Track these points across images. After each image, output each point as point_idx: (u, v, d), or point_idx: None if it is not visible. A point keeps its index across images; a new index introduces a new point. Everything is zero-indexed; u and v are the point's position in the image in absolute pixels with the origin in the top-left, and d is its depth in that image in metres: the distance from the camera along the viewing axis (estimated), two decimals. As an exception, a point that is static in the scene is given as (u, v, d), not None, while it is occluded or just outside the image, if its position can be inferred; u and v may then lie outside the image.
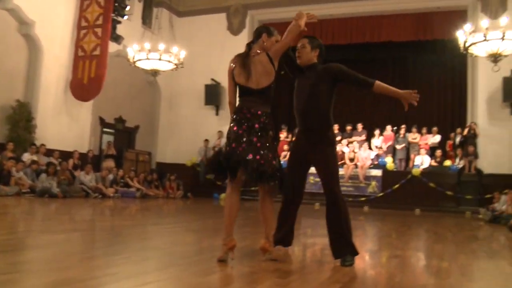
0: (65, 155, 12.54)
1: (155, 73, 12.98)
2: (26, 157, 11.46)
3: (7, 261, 3.00)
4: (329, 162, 3.75)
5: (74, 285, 2.43)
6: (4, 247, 3.49)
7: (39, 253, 3.40)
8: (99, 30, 12.86)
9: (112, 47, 13.48)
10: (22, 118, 11.71)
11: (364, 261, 3.95)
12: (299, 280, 2.95)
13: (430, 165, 14.11)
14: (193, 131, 16.85)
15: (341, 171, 14.20)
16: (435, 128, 15.03)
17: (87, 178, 11.90)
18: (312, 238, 5.83)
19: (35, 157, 11.57)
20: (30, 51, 12.29)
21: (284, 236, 3.85)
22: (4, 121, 11.60)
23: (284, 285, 2.79)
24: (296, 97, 3.87)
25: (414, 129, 15.02)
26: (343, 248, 3.56)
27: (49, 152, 12.12)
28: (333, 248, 3.62)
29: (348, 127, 15.84)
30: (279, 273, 3.15)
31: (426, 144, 14.80)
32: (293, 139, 4.36)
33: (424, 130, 15.03)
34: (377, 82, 3.72)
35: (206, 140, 16.19)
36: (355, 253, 3.56)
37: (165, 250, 3.94)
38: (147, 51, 12.28)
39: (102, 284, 2.57)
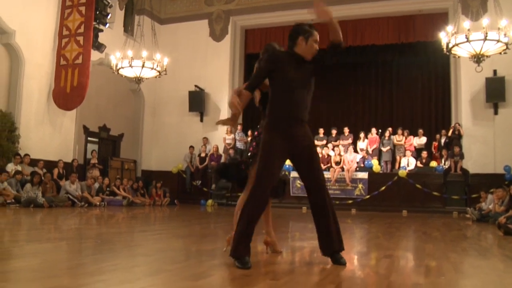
0: (50, 165, 12.38)
1: (138, 80, 12.88)
2: (10, 167, 11.28)
3: (-7, 271, 2.92)
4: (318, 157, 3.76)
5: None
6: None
7: (27, 262, 3.31)
8: (81, 39, 12.73)
9: (95, 55, 13.37)
10: (5, 128, 11.54)
11: (354, 263, 3.93)
12: (292, 282, 2.92)
13: (416, 167, 14.20)
14: (178, 138, 16.77)
15: (328, 175, 14.25)
16: (420, 130, 15.13)
17: (72, 187, 11.74)
18: (301, 242, 5.80)
19: (19, 167, 11.40)
20: (11, 60, 12.12)
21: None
22: (-14, 131, 11.41)
23: (278, 286, 2.76)
24: (294, 88, 3.60)
25: (399, 131, 15.10)
26: (335, 244, 3.55)
27: (34, 162, 11.95)
28: (326, 245, 3.58)
29: (334, 131, 15.87)
30: (272, 274, 3.12)
31: (411, 145, 14.90)
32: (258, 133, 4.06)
33: (407, 132, 15.12)
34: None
35: (191, 147, 16.11)
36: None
37: (153, 256, 3.87)
38: (130, 59, 12.19)
39: (92, 291, 2.51)
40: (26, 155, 11.82)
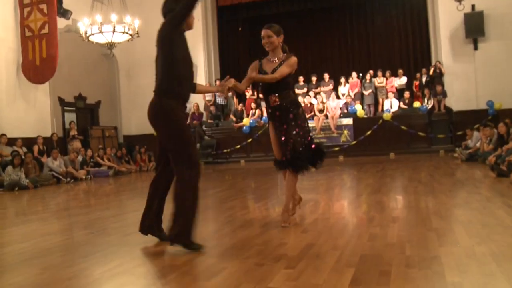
0: (29, 142, 12.01)
1: (110, 46, 12.36)
2: (-13, 150, 10.91)
3: None
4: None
5: None
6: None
7: (22, 276, 3.16)
8: (44, 7, 12.05)
9: (61, 22, 12.75)
10: (-25, 109, 11.06)
11: (361, 231, 3.85)
12: (309, 268, 2.82)
13: (400, 108, 14.18)
14: None
15: (312, 123, 14.16)
16: (400, 70, 15.02)
17: (55, 163, 11.45)
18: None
19: (-3, 149, 11.04)
20: (-28, 37, 11.48)
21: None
22: (-44, 115, 10.95)
23: (295, 277, 2.65)
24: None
25: (379, 73, 14.96)
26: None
27: (12, 142, 11.55)
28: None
29: (314, 78, 15.65)
30: (286, 260, 3.01)
31: (393, 86, 14.82)
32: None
33: (388, 73, 14.98)
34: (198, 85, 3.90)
35: (171, 108, 15.76)
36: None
37: (156, 248, 3.74)
38: (100, 24, 11.61)
39: None
40: (3, 135, 11.39)
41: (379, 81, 14.90)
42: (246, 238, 3.82)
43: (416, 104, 14.17)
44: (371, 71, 15.07)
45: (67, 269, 3.16)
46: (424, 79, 14.51)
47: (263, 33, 4.18)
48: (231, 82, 3.88)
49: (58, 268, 3.21)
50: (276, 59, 4.19)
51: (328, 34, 18.48)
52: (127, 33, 12.09)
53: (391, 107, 14.19)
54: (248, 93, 15.89)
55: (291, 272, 2.76)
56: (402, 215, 4.41)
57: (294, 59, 4.16)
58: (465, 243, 3.19)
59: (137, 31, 12.50)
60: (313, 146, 4.18)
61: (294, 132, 4.07)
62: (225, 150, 15.08)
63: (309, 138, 4.19)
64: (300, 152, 4.08)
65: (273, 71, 4.11)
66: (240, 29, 19.16)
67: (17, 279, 3.04)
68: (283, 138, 4.12)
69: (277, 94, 4.13)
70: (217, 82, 15.75)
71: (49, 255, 3.63)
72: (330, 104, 14.38)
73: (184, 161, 3.48)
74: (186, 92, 3.65)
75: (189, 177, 3.45)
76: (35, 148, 12.06)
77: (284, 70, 4.09)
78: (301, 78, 15.56)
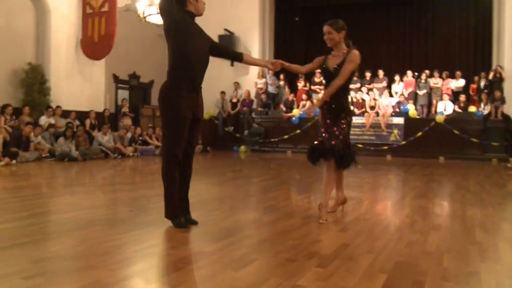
0: (82, 116, 12.40)
1: (167, 28, 12.49)
2: (43, 120, 11.34)
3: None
4: None
5: None
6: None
7: (62, 245, 3.26)
8: (105, -15, 12.36)
9: (121, 2, 13.00)
10: (35, 81, 11.52)
11: (402, 235, 3.74)
12: (341, 269, 2.76)
13: (454, 111, 13.70)
14: (209, 83, 16.11)
15: (362, 120, 13.93)
16: (458, 72, 14.46)
17: (105, 138, 11.76)
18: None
19: (52, 120, 11.45)
20: (37, 12, 11.92)
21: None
22: (18, 85, 11.43)
23: (325, 277, 2.60)
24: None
25: (436, 74, 14.48)
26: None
27: (66, 114, 11.97)
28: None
29: (368, 74, 15.33)
30: (319, 259, 2.96)
31: (449, 88, 14.32)
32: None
33: (445, 74, 14.48)
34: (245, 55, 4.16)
35: (223, 92, 15.91)
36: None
37: (190, 232, 3.77)
38: (157, 6, 11.75)
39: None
40: (58, 107, 11.84)
41: (435, 81, 14.43)
42: (282, 231, 3.80)
43: (472, 108, 13.65)
44: (427, 71, 14.60)
45: (102, 244, 3.23)
46: (482, 83, 13.95)
47: (324, 28, 4.18)
48: (283, 64, 4.16)
49: (94, 242, 3.28)
50: (340, 54, 4.20)
51: (386, 30, 18.00)
52: (183, 15, 12.18)
53: (445, 110, 13.73)
54: (300, 84, 15.77)
55: (322, 272, 2.71)
56: (445, 223, 4.26)
57: (355, 53, 4.11)
58: (509, 261, 3.04)
59: (194, 14, 12.58)
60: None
61: (334, 129, 4.16)
62: (272, 139, 15.05)
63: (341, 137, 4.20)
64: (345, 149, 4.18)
65: (338, 67, 4.12)
66: (297, 18, 18.97)
67: (55, 248, 3.14)
68: (322, 130, 4.25)
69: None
70: (271, 71, 15.68)
71: (89, 227, 3.73)
72: (382, 101, 14.06)
73: (164, 149, 3.79)
74: (193, 77, 3.76)
75: (163, 165, 3.79)
76: (87, 122, 12.43)
77: (346, 70, 4.07)
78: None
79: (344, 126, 4.18)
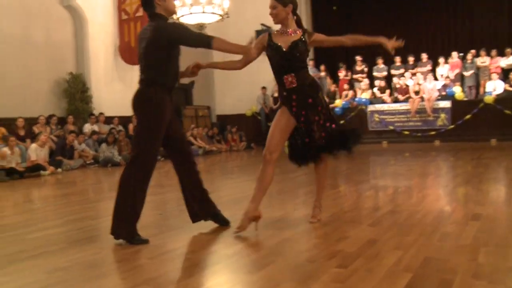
0: (124, 121, 12.60)
1: (200, 27, 12.51)
2: (87, 127, 11.60)
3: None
4: None
5: None
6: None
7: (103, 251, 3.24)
8: (139, -10, 12.52)
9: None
10: (77, 90, 11.80)
11: (437, 229, 3.50)
12: (362, 269, 2.58)
13: (505, 90, 12.99)
14: (249, 79, 16.35)
15: (407, 106, 13.50)
16: (508, 49, 13.71)
17: (147, 142, 11.89)
18: (372, 193, 5.36)
19: (96, 127, 11.71)
20: (75, 22, 12.20)
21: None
22: (61, 95, 11.75)
23: (343, 279, 2.44)
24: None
25: (482, 53, 13.81)
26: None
27: (109, 120, 12.21)
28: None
29: (411, 58, 14.79)
30: (341, 258, 2.79)
31: (498, 67, 13.61)
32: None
33: (494, 52, 13.76)
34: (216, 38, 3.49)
35: (264, 88, 15.80)
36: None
37: (211, 235, 3.68)
38: (189, 6, 11.78)
39: None
40: (101, 113, 12.09)
41: (482, 61, 13.75)
42: (308, 229, 3.65)
43: (525, 86, 12.92)
44: (473, 51, 13.92)
45: (121, 251, 3.19)
46: (535, 58, 13.17)
47: (269, 4, 3.66)
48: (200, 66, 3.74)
49: (114, 249, 3.25)
50: (290, 30, 3.64)
51: (428, 10, 17.29)
52: (216, 13, 12.16)
53: (494, 90, 13.04)
54: (342, 74, 15.45)
55: (341, 272, 2.54)
56: (485, 212, 3.95)
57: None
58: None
59: (227, 12, 12.53)
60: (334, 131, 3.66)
61: (316, 119, 3.60)
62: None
63: (333, 125, 3.67)
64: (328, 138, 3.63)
65: (293, 44, 3.57)
66: (335, 7, 18.58)
67: (75, 257, 3.11)
68: (302, 125, 3.62)
69: (293, 74, 3.58)
70: (311, 63, 15.50)
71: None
72: (427, 85, 13.53)
73: (134, 155, 3.47)
74: (172, 83, 3.54)
75: (129, 172, 3.44)
76: (130, 126, 12.62)
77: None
78: (397, 59, 14.77)
79: (326, 111, 3.66)
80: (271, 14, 3.66)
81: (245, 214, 3.52)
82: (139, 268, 2.82)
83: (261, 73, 15.97)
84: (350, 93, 14.85)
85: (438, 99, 13.42)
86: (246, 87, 16.36)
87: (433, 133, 13.32)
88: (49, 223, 4.38)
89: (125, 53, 12.79)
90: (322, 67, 15.70)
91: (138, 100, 3.46)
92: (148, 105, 3.40)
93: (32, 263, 3.00)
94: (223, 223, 3.79)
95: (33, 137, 9.75)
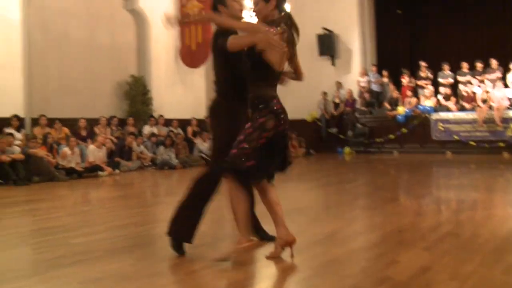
0: (183, 123, 12.72)
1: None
2: (147, 129, 11.80)
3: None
4: None
5: None
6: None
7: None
8: (200, -6, 12.61)
9: (215, 8, 13.19)
10: (138, 92, 12.04)
11: (503, 258, 3.17)
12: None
13: None
14: (310, 84, 15.85)
15: (474, 115, 12.81)
16: None
17: (204, 145, 11.93)
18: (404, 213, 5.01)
19: (155, 129, 11.88)
20: (138, 26, 12.49)
21: None
22: (123, 97, 12.03)
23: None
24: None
25: (560, 57, 12.85)
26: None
27: (168, 122, 12.37)
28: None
29: (479, 64, 14.00)
30: (389, 287, 2.56)
31: None
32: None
33: None
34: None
35: (325, 93, 15.50)
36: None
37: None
38: (249, 9, 11.75)
39: None
40: (161, 116, 12.27)
41: (561, 66, 12.83)
42: (358, 249, 3.43)
43: None
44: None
45: (157, 264, 3.09)
46: None
47: None
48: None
49: (150, 261, 3.16)
50: (273, 28, 3.14)
51: (498, 12, 16.30)
52: (276, 17, 12.05)
53: None
54: (405, 80, 14.89)
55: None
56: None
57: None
58: None
59: (288, 16, 12.41)
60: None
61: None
62: (377, 140, 14.36)
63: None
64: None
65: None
66: (399, 11, 17.97)
67: (110, 267, 3.05)
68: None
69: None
70: (373, 68, 15.16)
71: (153, 244, 3.65)
72: (496, 93, 12.77)
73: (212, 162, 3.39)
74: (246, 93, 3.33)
75: (200, 185, 3.38)
76: (189, 129, 12.73)
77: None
78: (464, 65, 14.04)
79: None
80: (253, 11, 3.30)
81: (276, 240, 3.21)
82: (172, 286, 2.71)
83: (321, 79, 15.86)
84: (414, 100, 14.27)
85: (509, 108, 12.63)
86: (305, 92, 16.08)
87: (502, 144, 12.52)
88: (95, 228, 4.38)
89: (186, 56, 12.93)
90: (385, 73, 15.20)
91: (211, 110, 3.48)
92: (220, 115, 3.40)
93: (68, 271, 2.97)
94: (266, 238, 3.58)
95: (94, 138, 10.00)
